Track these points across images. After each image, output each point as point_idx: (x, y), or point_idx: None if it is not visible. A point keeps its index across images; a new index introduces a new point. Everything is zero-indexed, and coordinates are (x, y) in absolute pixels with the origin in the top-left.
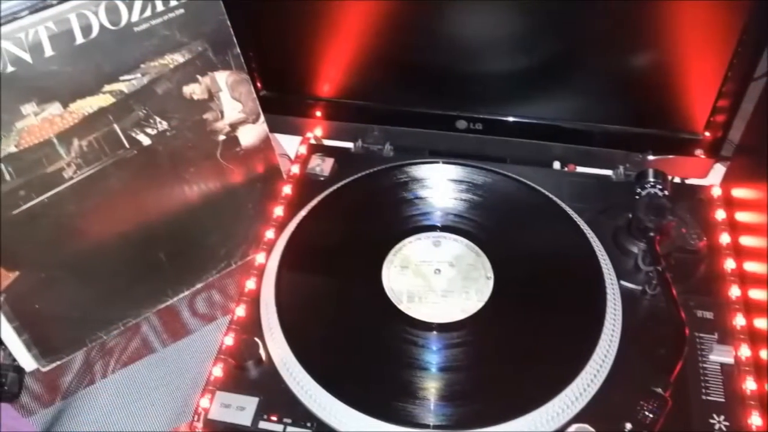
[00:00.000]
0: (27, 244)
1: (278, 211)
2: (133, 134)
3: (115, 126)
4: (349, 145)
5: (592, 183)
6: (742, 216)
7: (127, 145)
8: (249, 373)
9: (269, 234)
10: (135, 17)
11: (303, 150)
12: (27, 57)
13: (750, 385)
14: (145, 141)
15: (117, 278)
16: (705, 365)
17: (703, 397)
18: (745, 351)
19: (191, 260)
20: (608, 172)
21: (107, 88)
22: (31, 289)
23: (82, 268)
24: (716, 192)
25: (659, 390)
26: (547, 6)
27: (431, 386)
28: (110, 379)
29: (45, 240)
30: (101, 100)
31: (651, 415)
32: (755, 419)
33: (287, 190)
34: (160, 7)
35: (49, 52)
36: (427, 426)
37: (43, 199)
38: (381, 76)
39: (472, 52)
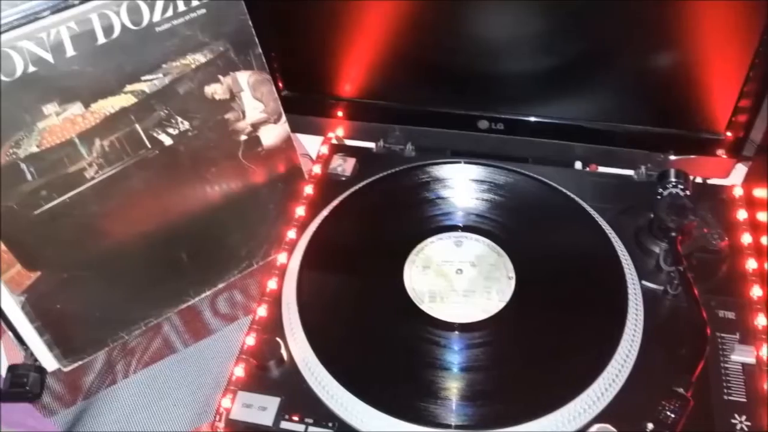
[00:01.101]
0: (48, 245)
1: (300, 211)
2: (155, 134)
3: (137, 126)
4: (371, 145)
5: (613, 183)
6: (763, 216)
7: (148, 145)
8: (270, 373)
9: (291, 234)
10: (157, 17)
11: (325, 150)
12: (49, 57)
13: None
14: (167, 141)
15: (139, 278)
16: (726, 365)
17: (725, 397)
18: (766, 351)
19: (213, 260)
20: (630, 172)
21: (129, 88)
22: (53, 289)
23: (104, 269)
24: (738, 192)
25: (681, 390)
26: (569, 6)
27: (453, 386)
28: (132, 379)
29: (66, 240)
30: (123, 100)
31: (672, 415)
32: None
33: (309, 190)
34: (181, 7)
35: (70, 52)
36: (448, 426)
37: (64, 199)
38: (403, 76)
39: (493, 52)
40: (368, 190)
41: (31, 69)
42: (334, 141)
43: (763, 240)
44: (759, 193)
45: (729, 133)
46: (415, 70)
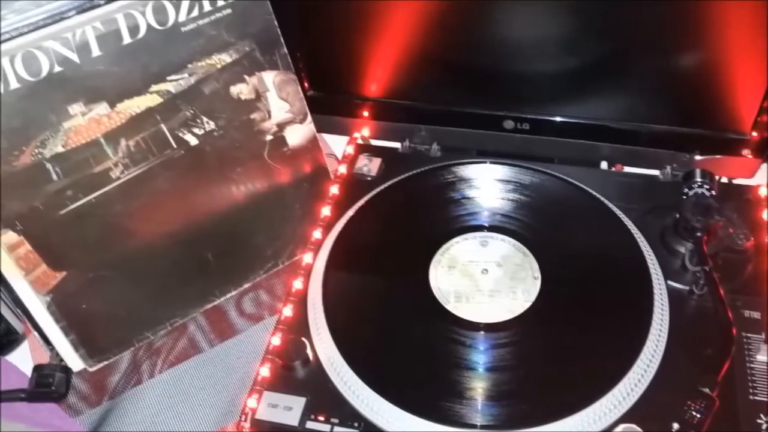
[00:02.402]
0: (74, 245)
1: (325, 211)
2: (181, 134)
3: (162, 126)
4: (397, 145)
5: (639, 183)
6: None
7: (174, 145)
8: (296, 373)
9: (316, 234)
10: (182, 17)
11: (350, 150)
12: (74, 57)
13: None
14: (193, 141)
15: (164, 278)
16: (752, 365)
17: (751, 397)
18: None
19: (238, 260)
20: (655, 172)
21: (154, 88)
22: (78, 289)
23: (130, 268)
24: (763, 192)
25: (706, 390)
26: (594, 6)
27: (478, 386)
28: (157, 379)
29: (92, 240)
30: (148, 100)
31: (698, 415)
32: None
33: (334, 190)
34: (207, 7)
35: (96, 52)
36: (474, 426)
37: (90, 199)
38: (428, 76)
39: (519, 52)
40: (394, 190)
41: (57, 69)
42: (359, 141)
43: None
44: None
45: (754, 133)
46: (441, 70)
